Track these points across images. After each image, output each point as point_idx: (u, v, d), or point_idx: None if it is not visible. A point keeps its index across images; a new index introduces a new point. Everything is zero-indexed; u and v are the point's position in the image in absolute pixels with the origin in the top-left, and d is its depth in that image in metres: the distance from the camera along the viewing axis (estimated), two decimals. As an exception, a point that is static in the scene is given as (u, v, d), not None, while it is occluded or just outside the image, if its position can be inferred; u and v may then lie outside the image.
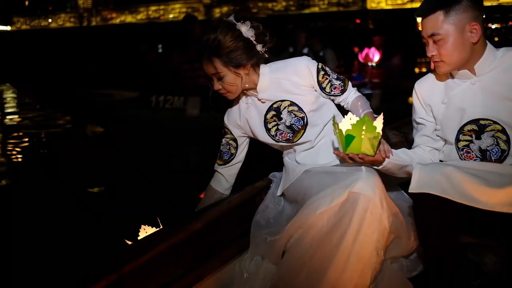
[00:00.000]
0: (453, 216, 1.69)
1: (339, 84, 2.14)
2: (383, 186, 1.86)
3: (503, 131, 1.80)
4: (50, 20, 30.57)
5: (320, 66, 2.12)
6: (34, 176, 5.78)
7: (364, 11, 20.45)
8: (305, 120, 2.11)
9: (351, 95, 2.17)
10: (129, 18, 27.90)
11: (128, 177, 5.57)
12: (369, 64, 8.59)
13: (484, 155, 1.84)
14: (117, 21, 28.26)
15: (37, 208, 4.53)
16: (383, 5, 19.60)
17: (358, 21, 20.92)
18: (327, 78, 2.12)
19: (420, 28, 1.86)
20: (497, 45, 1.92)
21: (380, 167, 1.87)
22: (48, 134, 8.31)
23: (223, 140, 2.28)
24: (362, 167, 1.89)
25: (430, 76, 2.01)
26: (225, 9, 23.38)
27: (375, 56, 8.60)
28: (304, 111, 2.11)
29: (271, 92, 2.13)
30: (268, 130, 2.14)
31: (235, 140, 2.25)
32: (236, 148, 2.25)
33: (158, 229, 2.06)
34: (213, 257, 2.03)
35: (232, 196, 2.22)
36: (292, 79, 2.11)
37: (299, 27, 9.07)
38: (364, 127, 1.73)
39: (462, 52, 1.79)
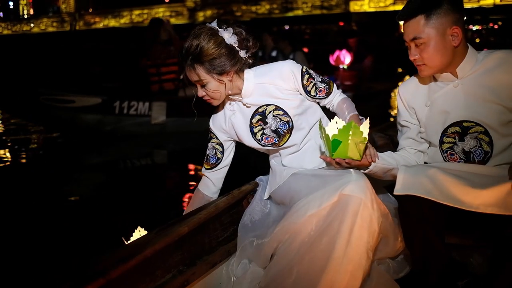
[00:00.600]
0: (438, 218, 1.71)
1: (324, 86, 2.14)
2: (372, 187, 1.87)
3: (486, 132, 1.83)
4: (32, 25, 30.30)
5: (304, 70, 2.12)
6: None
7: (347, 13, 20.59)
8: (291, 124, 2.11)
9: (336, 97, 2.18)
10: (112, 22, 27.78)
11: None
12: (341, 66, 8.57)
13: (467, 157, 1.86)
14: (100, 25, 28.14)
15: (20, 210, 4.47)
16: (366, 8, 19.75)
17: (341, 23, 21.06)
18: (311, 81, 2.11)
19: (402, 32, 1.87)
20: (479, 47, 1.94)
21: (367, 171, 1.88)
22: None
23: (209, 144, 2.27)
24: (351, 169, 1.90)
25: (414, 79, 2.03)
26: (208, 12, 23.42)
27: (346, 58, 8.57)
28: (289, 115, 2.11)
29: (256, 96, 2.13)
30: (254, 134, 2.14)
31: (221, 144, 2.25)
32: (222, 152, 2.25)
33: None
34: (200, 261, 2.02)
35: (219, 200, 2.21)
36: (277, 83, 2.10)
37: (266, 30, 8.93)
38: (350, 132, 1.73)
39: (444, 56, 1.81)
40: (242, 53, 2.06)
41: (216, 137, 2.25)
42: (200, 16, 23.94)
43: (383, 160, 1.90)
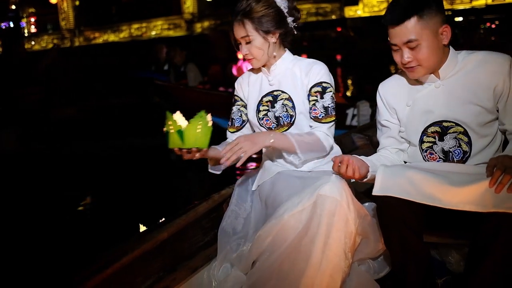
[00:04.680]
0: (416, 218, 1.71)
1: (320, 112, 2.08)
2: (350, 189, 1.87)
3: (465, 133, 1.83)
4: (33, 43, 30.51)
5: (324, 85, 2.10)
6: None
7: (342, 19, 20.64)
8: (293, 120, 2.12)
9: (318, 129, 2.10)
10: (112, 37, 27.95)
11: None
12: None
13: (446, 156, 1.86)
14: (100, 40, 28.30)
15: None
16: (361, 13, 19.81)
17: (339, 29, 21.11)
18: (317, 97, 2.10)
19: (392, 37, 1.81)
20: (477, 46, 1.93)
21: (364, 180, 1.88)
22: None
23: (234, 108, 2.29)
24: (332, 173, 1.90)
25: (394, 79, 2.02)
26: (206, 23, 23.55)
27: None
28: (296, 111, 2.12)
29: (281, 78, 2.17)
30: (258, 111, 2.18)
31: (245, 106, 2.27)
32: (247, 114, 2.26)
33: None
34: (181, 266, 2.03)
35: (198, 205, 2.22)
36: (303, 77, 2.13)
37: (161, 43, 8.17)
38: (200, 122, 1.81)
39: (437, 55, 1.80)
40: (289, 20, 2.14)
41: (241, 99, 2.28)
42: (198, 27, 24.03)
43: (374, 167, 1.89)
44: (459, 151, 1.84)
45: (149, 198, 4.77)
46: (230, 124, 2.29)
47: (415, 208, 1.67)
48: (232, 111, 2.29)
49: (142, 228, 3.76)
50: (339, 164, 1.81)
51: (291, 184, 2.00)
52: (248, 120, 2.26)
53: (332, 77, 2.16)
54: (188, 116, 1.84)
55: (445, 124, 1.85)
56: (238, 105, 2.28)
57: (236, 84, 2.31)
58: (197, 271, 2.06)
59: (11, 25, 30.62)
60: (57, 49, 6.97)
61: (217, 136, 2.13)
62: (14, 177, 5.86)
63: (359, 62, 17.64)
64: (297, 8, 2.17)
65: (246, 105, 2.26)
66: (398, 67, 1.90)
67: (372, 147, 2.48)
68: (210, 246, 2.18)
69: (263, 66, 2.19)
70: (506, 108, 1.81)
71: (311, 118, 2.11)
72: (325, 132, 2.09)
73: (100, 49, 25.59)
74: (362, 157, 1.90)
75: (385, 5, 17.90)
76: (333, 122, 2.10)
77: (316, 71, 2.12)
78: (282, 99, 2.14)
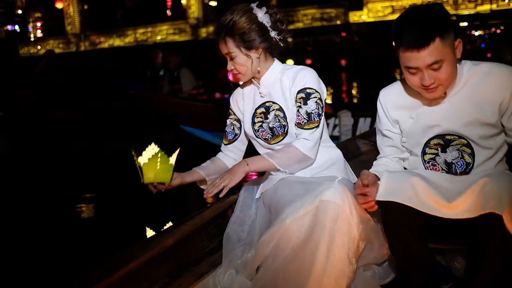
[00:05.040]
0: (419, 223, 1.71)
1: (304, 118, 2.07)
2: (353, 194, 1.88)
3: (468, 145, 1.82)
4: (39, 47, 30.64)
5: (309, 91, 2.08)
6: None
7: (347, 24, 20.65)
8: (286, 129, 2.14)
9: (299, 137, 2.08)
10: (117, 42, 28.07)
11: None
12: (241, 83, 8.15)
13: (449, 168, 1.85)
14: (106, 45, 28.41)
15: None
16: (365, 18, 19.82)
17: (343, 34, 21.13)
18: (300, 103, 2.08)
19: (411, 60, 1.72)
20: (484, 51, 1.90)
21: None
22: None
23: (228, 121, 2.33)
24: (335, 177, 1.91)
25: (396, 88, 1.98)
26: (211, 28, 23.58)
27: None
28: (288, 120, 2.13)
29: (271, 89, 2.18)
30: (253, 123, 2.21)
31: (238, 120, 2.31)
32: (240, 128, 2.30)
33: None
34: (187, 273, 2.03)
35: (204, 211, 2.23)
36: (291, 85, 2.13)
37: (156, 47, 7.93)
38: (159, 159, 1.98)
39: (456, 71, 1.77)
40: (273, 33, 2.13)
41: (234, 113, 2.31)
42: (203, 32, 24.13)
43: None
44: (462, 162, 1.83)
45: (152, 202, 4.78)
46: (224, 136, 2.34)
47: (418, 213, 1.67)
48: (226, 124, 2.34)
49: (148, 233, 3.78)
50: (363, 192, 1.79)
51: (294, 189, 2.01)
52: (240, 133, 2.29)
53: (321, 83, 2.14)
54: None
55: (448, 137, 1.85)
56: (231, 118, 2.33)
57: (231, 98, 2.34)
58: (203, 278, 2.06)
59: (17, 29, 30.83)
60: (51, 53, 6.99)
61: (194, 147, 2.18)
62: (13, 178, 5.88)
63: (363, 67, 17.68)
64: (281, 21, 2.15)
65: (239, 119, 2.29)
66: (413, 87, 1.82)
67: (376, 152, 2.48)
68: (216, 252, 2.17)
69: (253, 78, 2.20)
70: (511, 120, 1.79)
71: (295, 124, 2.11)
72: (306, 139, 2.07)
73: (106, 54, 25.70)
74: (374, 173, 1.86)
75: (389, 10, 17.90)
76: (315, 128, 2.07)
77: (301, 77, 2.11)
78: (274, 109, 2.16)
